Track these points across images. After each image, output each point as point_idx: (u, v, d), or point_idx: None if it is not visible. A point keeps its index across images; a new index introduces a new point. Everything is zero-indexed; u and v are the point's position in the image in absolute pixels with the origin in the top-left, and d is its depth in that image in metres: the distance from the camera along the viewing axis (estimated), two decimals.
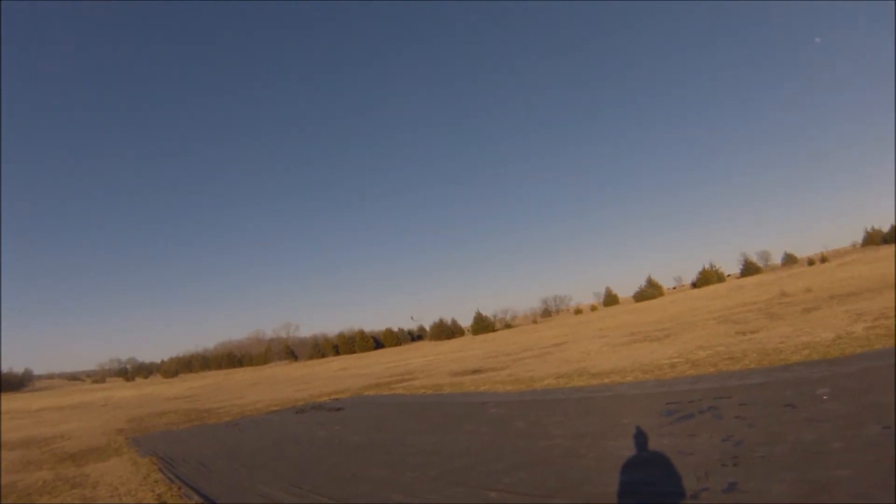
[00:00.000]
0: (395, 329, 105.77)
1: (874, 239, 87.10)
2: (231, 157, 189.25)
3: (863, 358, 7.15)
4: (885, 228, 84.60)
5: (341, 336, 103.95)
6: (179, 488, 6.86)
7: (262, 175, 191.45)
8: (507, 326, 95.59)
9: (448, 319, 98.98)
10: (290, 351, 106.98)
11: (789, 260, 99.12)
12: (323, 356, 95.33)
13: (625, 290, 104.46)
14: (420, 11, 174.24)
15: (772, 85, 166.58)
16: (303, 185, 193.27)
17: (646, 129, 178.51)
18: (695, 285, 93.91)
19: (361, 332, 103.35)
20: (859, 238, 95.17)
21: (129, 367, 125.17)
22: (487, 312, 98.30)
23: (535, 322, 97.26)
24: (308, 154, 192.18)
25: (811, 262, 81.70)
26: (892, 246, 65.08)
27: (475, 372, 17.92)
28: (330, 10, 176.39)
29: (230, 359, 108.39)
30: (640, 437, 5.66)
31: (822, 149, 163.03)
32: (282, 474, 6.94)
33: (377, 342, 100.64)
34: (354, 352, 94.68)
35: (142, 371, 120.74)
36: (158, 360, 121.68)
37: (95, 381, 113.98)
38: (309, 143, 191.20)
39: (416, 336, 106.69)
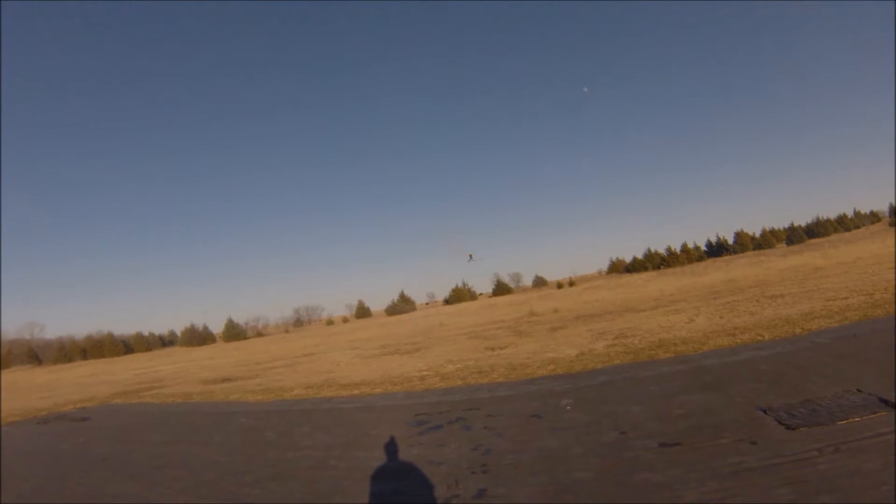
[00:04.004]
0: (146, 333, 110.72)
1: (617, 268, 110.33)
2: None
3: (602, 372, 8.79)
4: (628, 259, 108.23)
5: (90, 339, 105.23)
6: None
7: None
8: (259, 335, 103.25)
9: (199, 325, 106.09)
10: (34, 354, 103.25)
11: (539, 282, 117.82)
12: (70, 360, 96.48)
13: (377, 304, 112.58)
14: None
15: (544, 117, 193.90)
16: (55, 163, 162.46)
17: (406, 152, 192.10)
18: (447, 302, 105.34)
19: (111, 336, 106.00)
20: (605, 266, 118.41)
21: None
22: (239, 320, 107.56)
23: (286, 332, 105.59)
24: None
25: (560, 286, 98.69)
26: (633, 275, 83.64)
27: (226, 380, 18.42)
28: None
29: None
30: (391, 448, 5.98)
31: (577, 187, 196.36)
32: (19, 494, 6.87)
33: (127, 346, 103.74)
34: (104, 356, 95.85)
35: None
36: None
37: None
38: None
39: (167, 342, 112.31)
